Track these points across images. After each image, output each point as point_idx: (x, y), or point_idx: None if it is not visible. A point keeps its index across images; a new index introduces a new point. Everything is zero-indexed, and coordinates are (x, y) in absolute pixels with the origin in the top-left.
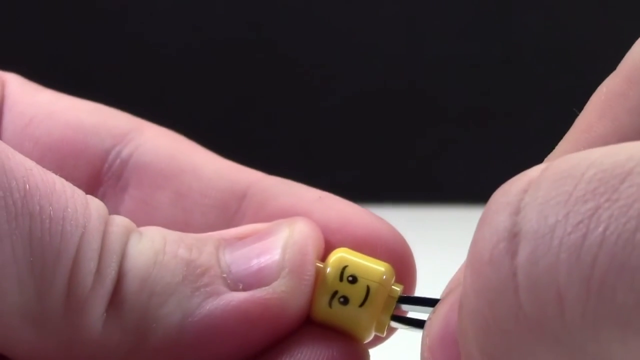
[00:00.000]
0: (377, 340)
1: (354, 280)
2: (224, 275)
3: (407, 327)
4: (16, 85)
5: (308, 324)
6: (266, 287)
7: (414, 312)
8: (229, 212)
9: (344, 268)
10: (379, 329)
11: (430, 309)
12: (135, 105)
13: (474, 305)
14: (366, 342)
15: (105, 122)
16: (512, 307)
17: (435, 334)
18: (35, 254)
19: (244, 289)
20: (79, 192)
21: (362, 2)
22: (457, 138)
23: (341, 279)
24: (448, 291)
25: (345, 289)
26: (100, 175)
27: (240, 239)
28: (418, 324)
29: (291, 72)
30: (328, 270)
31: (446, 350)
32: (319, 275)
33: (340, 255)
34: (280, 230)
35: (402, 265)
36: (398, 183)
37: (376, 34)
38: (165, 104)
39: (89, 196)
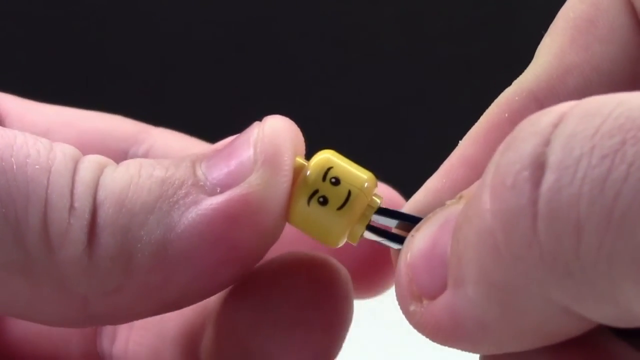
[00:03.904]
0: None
1: (336, 182)
2: (201, 184)
3: (381, 239)
4: (13, 102)
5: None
6: (242, 184)
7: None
8: None
9: (329, 169)
10: (352, 237)
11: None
12: (137, 106)
13: (487, 226)
14: (337, 247)
15: (118, 127)
16: (528, 233)
17: (418, 251)
18: (6, 204)
19: (222, 192)
20: (43, 140)
21: (363, 2)
22: (456, 138)
23: (324, 179)
24: (427, 212)
25: (326, 189)
26: None
27: (217, 150)
28: (394, 238)
29: (290, 71)
30: (311, 168)
31: (431, 270)
32: (301, 173)
33: (327, 156)
34: (251, 131)
35: None
36: (394, 182)
37: (375, 34)
38: (163, 105)
39: (55, 142)
